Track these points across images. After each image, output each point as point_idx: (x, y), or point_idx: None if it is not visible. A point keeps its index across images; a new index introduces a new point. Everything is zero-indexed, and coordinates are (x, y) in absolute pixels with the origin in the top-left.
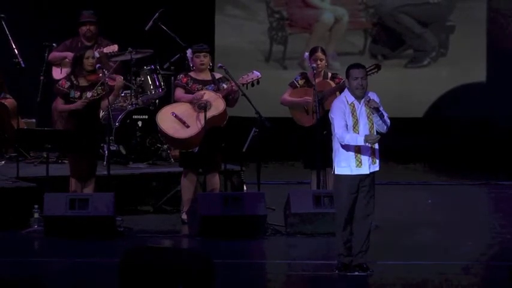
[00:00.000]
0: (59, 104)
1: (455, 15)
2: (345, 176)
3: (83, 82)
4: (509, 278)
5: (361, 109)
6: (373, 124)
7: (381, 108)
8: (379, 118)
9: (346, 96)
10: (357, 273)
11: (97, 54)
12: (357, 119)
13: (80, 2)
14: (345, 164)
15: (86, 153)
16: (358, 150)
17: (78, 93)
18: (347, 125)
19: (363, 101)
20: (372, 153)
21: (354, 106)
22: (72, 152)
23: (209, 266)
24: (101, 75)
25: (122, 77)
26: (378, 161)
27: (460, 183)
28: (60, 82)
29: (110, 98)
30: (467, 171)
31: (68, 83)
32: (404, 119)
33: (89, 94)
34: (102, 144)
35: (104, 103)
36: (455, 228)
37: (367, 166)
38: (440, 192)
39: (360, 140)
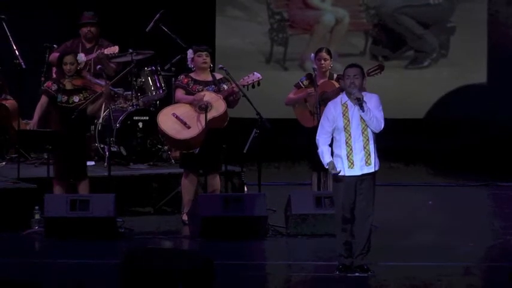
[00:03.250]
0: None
1: (456, 17)
2: (340, 176)
3: (68, 86)
4: (509, 279)
5: (355, 110)
6: (366, 126)
7: (366, 104)
8: (364, 113)
9: (342, 97)
10: (357, 274)
11: (83, 58)
12: (348, 120)
13: (81, 3)
14: (339, 165)
15: (73, 153)
16: (349, 151)
17: (66, 98)
18: (334, 130)
19: (366, 103)
20: (365, 154)
21: (346, 107)
22: (62, 150)
23: (209, 267)
24: (89, 77)
25: (109, 82)
26: (374, 162)
27: (460, 185)
28: (47, 84)
29: (99, 102)
30: (468, 172)
31: (55, 86)
32: (405, 120)
33: (76, 99)
34: (102, 146)
35: (92, 107)
36: (455, 229)
37: (358, 167)
38: (440, 193)
39: (325, 161)
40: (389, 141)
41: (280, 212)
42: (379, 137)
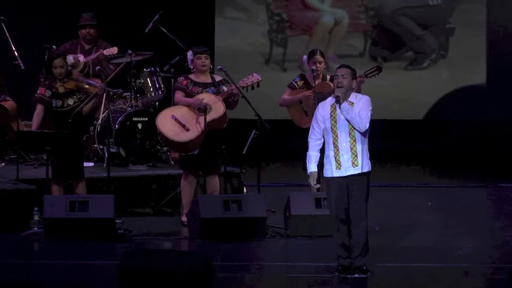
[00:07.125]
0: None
1: (455, 18)
2: (329, 177)
3: (61, 89)
4: (509, 280)
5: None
6: (354, 127)
7: (347, 103)
8: (341, 110)
9: (331, 99)
10: (356, 275)
11: (71, 60)
12: (335, 121)
13: (80, 4)
14: (328, 166)
15: (71, 154)
16: (336, 152)
17: (60, 102)
18: (324, 130)
19: (346, 102)
20: (352, 155)
21: (334, 107)
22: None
23: (209, 268)
24: (81, 78)
25: (102, 83)
26: (361, 163)
27: (460, 186)
28: (40, 91)
29: (94, 102)
30: (467, 173)
31: (49, 92)
32: (404, 121)
33: (70, 102)
34: (101, 147)
35: (86, 108)
36: (455, 230)
37: (344, 168)
38: (440, 194)
39: (308, 169)
40: (389, 142)
41: (279, 213)
42: (378, 138)
